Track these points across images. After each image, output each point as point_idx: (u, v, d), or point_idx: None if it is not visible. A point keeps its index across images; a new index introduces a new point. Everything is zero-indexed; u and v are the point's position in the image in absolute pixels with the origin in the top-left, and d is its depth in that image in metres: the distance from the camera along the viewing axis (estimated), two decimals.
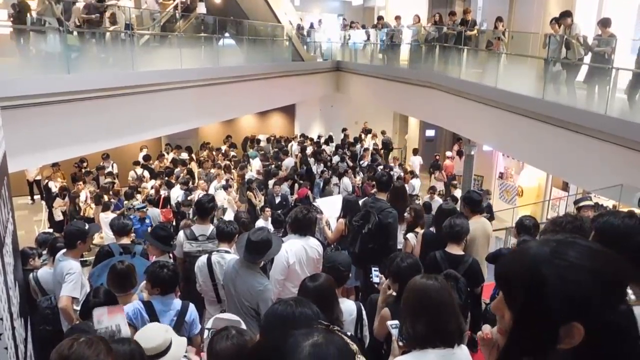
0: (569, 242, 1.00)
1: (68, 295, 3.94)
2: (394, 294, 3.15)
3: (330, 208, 6.20)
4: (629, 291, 0.97)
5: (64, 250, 4.24)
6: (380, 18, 15.72)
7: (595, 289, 0.92)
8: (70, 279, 3.96)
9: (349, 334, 2.90)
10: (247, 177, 11.61)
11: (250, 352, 0.98)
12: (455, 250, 4.07)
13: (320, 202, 6.90)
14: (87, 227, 4.33)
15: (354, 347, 0.90)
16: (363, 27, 16.66)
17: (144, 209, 8.95)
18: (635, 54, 6.95)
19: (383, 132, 17.81)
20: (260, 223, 7.61)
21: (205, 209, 4.96)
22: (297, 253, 4.10)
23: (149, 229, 8.02)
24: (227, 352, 2.17)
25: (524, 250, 1.04)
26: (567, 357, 0.96)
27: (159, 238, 4.56)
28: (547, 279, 0.94)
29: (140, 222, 8.50)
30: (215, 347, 2.20)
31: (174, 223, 9.07)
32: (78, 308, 4.03)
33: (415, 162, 15.78)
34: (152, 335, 2.64)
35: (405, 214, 5.33)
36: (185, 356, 2.79)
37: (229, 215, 8.46)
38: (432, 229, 4.97)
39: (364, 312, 3.36)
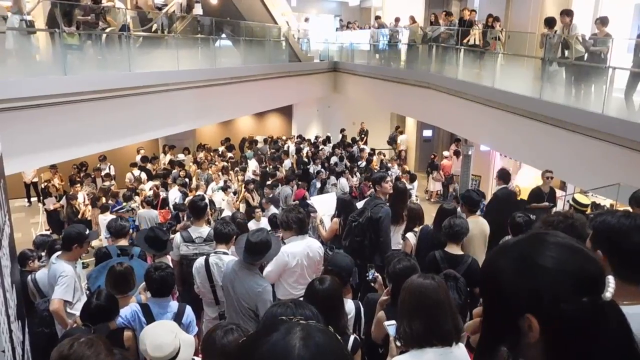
0: (535, 236, 1.02)
1: (60, 298, 3.93)
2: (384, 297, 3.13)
3: (324, 206, 6.20)
4: (610, 284, 0.95)
5: (58, 253, 4.23)
6: (377, 18, 15.74)
7: (545, 281, 0.91)
8: (62, 281, 3.95)
9: (350, 332, 2.90)
10: (245, 178, 11.60)
11: (238, 354, 0.95)
12: (454, 250, 4.07)
13: (314, 200, 6.89)
14: (87, 232, 4.31)
15: (331, 328, 0.91)
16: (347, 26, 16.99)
17: (123, 210, 8.95)
18: (632, 53, 6.97)
19: (397, 127, 18.62)
20: (251, 225, 7.56)
21: (199, 209, 4.93)
22: (299, 254, 4.09)
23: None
24: (234, 345, 2.12)
25: (502, 244, 1.06)
26: (541, 350, 0.95)
27: (149, 241, 4.51)
28: (501, 272, 0.96)
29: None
30: (221, 341, 2.16)
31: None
32: (71, 311, 4.02)
33: (403, 140, 17.67)
34: (162, 342, 2.61)
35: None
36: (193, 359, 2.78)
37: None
38: (430, 226, 4.99)
39: (362, 311, 3.36)
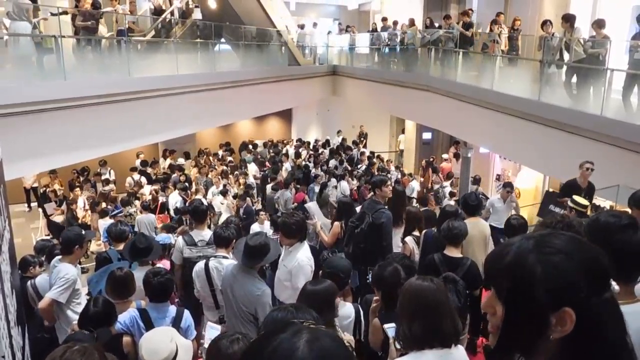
0: (551, 233, 1.02)
1: (51, 298, 3.89)
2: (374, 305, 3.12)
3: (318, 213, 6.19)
4: (613, 283, 0.98)
5: (59, 257, 4.23)
6: (384, 19, 15.67)
7: (582, 273, 0.93)
8: (61, 283, 3.91)
9: (345, 333, 2.90)
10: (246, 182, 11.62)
11: (245, 353, 0.96)
12: (453, 252, 4.07)
13: (312, 205, 6.85)
14: (83, 232, 4.33)
15: (342, 335, 0.91)
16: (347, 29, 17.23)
17: (120, 214, 8.98)
18: (628, 54, 6.99)
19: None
20: (255, 227, 7.59)
21: (201, 212, 4.95)
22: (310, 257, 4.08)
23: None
24: (238, 355, 2.13)
25: (508, 244, 1.04)
26: (554, 353, 0.96)
27: (131, 251, 4.39)
28: (535, 267, 0.95)
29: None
30: (226, 351, 2.16)
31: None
32: (73, 314, 4.01)
33: (402, 140, 18.61)
34: (157, 347, 2.62)
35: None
36: None
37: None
38: (434, 229, 4.98)
39: (362, 315, 3.35)
